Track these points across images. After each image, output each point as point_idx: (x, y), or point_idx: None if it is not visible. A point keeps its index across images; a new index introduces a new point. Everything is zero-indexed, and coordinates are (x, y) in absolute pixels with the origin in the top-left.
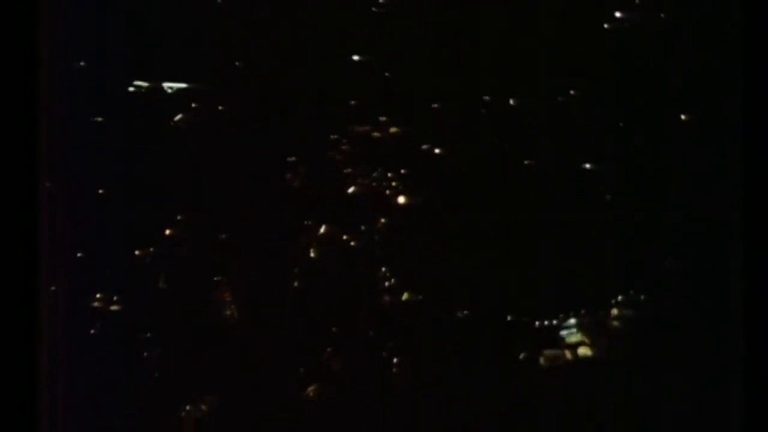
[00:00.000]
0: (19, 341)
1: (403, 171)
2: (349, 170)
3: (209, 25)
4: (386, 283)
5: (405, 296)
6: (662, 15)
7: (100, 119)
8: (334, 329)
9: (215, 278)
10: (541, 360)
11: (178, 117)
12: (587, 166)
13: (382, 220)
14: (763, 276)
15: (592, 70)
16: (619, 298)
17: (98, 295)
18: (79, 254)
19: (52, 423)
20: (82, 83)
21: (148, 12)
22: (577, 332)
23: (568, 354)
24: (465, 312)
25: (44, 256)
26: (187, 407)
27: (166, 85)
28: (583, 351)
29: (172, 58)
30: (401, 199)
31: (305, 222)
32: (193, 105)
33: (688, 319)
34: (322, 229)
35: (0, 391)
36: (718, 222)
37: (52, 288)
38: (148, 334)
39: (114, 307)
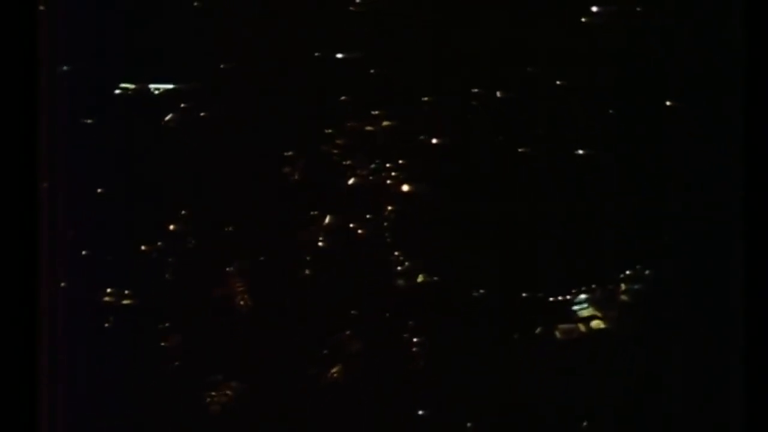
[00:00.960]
0: (20, 340)
1: (401, 161)
2: (348, 162)
3: (203, 23)
4: (399, 267)
5: (420, 278)
6: (664, 11)
7: (100, 118)
8: (352, 312)
9: (227, 269)
10: (557, 334)
11: (170, 116)
12: (582, 153)
13: (389, 208)
14: (763, 275)
15: (590, 67)
16: (627, 272)
17: (109, 290)
18: (84, 252)
19: (53, 423)
20: (81, 83)
21: (147, 12)
22: (589, 307)
23: (581, 327)
24: (481, 291)
25: (44, 254)
26: (212, 393)
27: (152, 86)
28: (595, 324)
29: (166, 58)
30: (405, 188)
31: (311, 212)
32: (185, 105)
33: (688, 317)
34: (329, 219)
35: (0, 391)
36: (717, 221)
37: (62, 284)
38: (167, 324)
39: (126, 302)
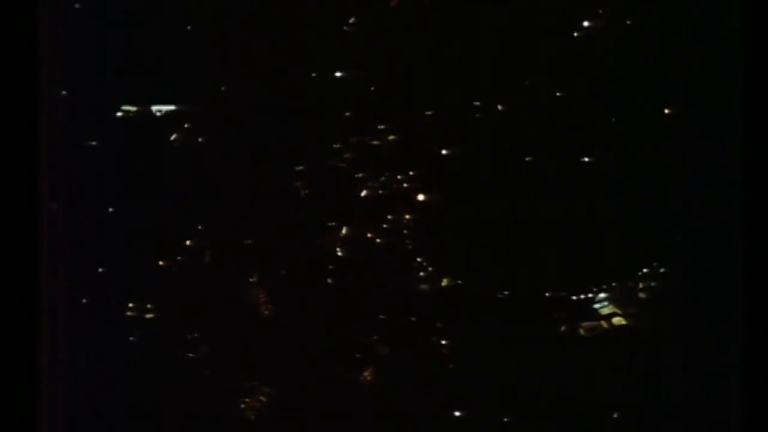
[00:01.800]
0: (20, 340)
1: (411, 173)
2: (360, 175)
3: (204, 47)
4: (422, 273)
5: (444, 282)
6: (663, 12)
7: (109, 140)
8: (381, 316)
9: (250, 279)
10: (581, 331)
11: (177, 136)
12: (588, 160)
13: (407, 217)
14: (763, 275)
15: (590, 68)
16: (634, 272)
17: (131, 305)
18: (100, 269)
19: (53, 423)
20: (88, 94)
21: (147, 36)
22: (609, 304)
23: (604, 324)
24: (505, 292)
25: (44, 255)
26: (247, 399)
27: (154, 108)
28: (617, 321)
29: (181, 80)
30: (420, 197)
31: (329, 224)
32: (188, 125)
33: (688, 316)
34: (348, 230)
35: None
36: (717, 220)
37: (83, 301)
38: (196, 335)
39: (149, 315)
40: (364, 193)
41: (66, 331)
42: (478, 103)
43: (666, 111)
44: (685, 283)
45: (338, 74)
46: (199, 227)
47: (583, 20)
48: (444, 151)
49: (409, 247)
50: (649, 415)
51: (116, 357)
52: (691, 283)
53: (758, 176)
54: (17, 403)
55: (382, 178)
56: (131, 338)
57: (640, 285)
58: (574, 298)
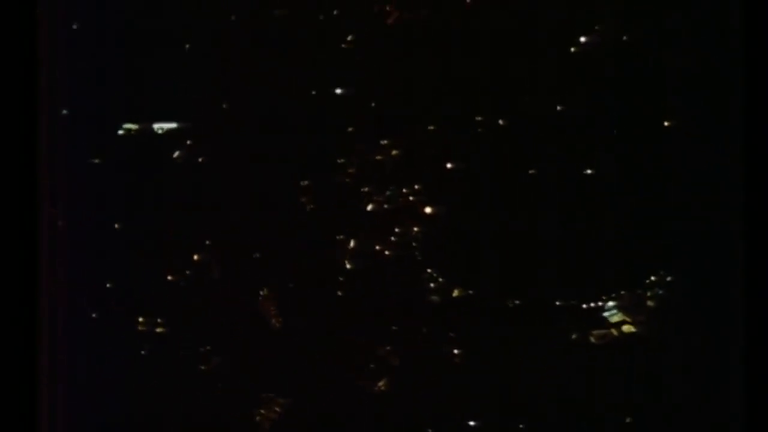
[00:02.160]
0: (20, 340)
1: (416, 186)
2: (365, 189)
3: (204, 66)
4: (432, 284)
5: (455, 293)
6: (661, 13)
7: (114, 158)
8: (393, 327)
9: (260, 293)
10: (592, 339)
11: (179, 153)
12: (589, 171)
13: (415, 229)
14: (763, 275)
15: (590, 80)
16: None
17: (141, 319)
18: (108, 285)
19: (53, 423)
20: (89, 112)
21: (146, 55)
22: (618, 312)
23: (614, 332)
24: (516, 302)
25: (44, 255)
26: (261, 411)
27: (156, 125)
28: (627, 328)
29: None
30: (427, 209)
31: (336, 237)
32: (190, 142)
33: (688, 317)
34: (356, 243)
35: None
36: (717, 222)
37: (93, 315)
38: (208, 347)
39: (159, 329)
40: (370, 207)
41: (68, 333)
42: (479, 118)
43: (666, 123)
44: (689, 289)
45: (338, 91)
46: (207, 242)
47: (581, 35)
48: (448, 165)
49: (419, 258)
50: (653, 419)
51: (123, 368)
52: (694, 289)
53: (758, 178)
54: (17, 403)
55: (387, 192)
56: (142, 352)
57: (648, 293)
58: (584, 306)
